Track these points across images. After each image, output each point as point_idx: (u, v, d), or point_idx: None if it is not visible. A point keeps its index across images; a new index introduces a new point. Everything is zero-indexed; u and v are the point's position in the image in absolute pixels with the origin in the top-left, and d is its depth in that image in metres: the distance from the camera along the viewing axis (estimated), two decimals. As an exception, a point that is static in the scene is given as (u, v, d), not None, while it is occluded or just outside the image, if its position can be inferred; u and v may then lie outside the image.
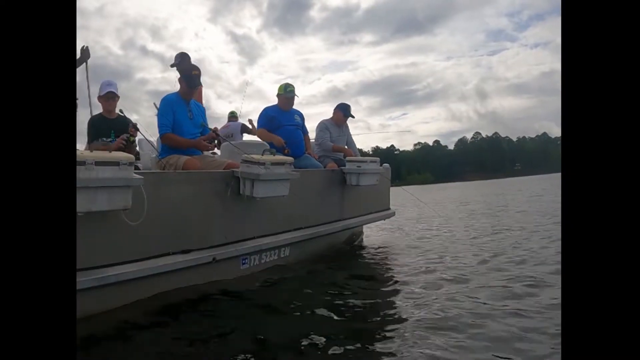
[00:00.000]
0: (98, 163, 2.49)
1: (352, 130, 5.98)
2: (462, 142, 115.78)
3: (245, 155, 3.52)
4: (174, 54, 5.17)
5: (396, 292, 3.64)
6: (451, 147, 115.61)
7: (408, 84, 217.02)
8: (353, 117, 5.82)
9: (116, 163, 2.56)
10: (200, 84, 4.00)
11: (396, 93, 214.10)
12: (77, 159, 2.39)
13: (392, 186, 6.65)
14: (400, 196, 6.68)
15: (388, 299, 3.39)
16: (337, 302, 3.28)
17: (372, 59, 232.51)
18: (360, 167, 5.00)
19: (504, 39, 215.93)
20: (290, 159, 3.75)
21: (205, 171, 3.60)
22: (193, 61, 4.89)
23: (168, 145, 3.90)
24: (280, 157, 3.65)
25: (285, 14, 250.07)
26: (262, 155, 3.52)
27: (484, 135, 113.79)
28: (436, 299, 3.22)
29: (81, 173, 2.43)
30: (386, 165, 6.31)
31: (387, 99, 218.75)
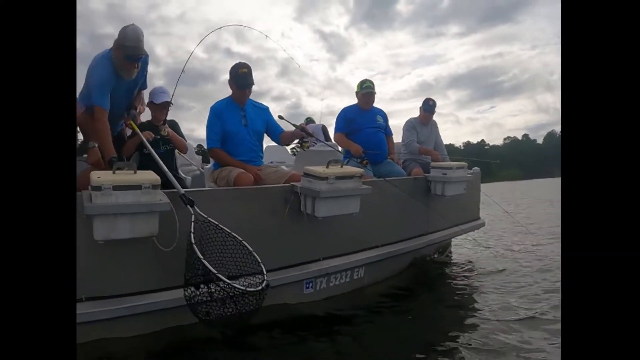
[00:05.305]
0: (116, 187, 2.01)
1: (441, 125, 5.09)
2: (551, 135, 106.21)
3: (307, 167, 2.80)
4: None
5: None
6: (540, 141, 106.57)
7: (495, 75, 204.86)
8: (433, 110, 4.95)
9: (138, 187, 2.04)
10: (252, 83, 3.25)
11: (483, 85, 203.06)
12: (93, 184, 2.02)
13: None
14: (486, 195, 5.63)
15: (478, 329, 2.83)
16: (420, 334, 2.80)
17: (459, 50, 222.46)
18: (445, 174, 4.10)
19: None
20: (360, 170, 2.93)
21: (258, 187, 2.96)
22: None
23: (215, 161, 3.33)
24: (348, 170, 2.87)
25: (372, 8, 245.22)
26: (327, 167, 2.77)
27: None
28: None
29: (98, 199, 1.99)
30: (476, 169, 5.31)
31: (475, 91, 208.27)
